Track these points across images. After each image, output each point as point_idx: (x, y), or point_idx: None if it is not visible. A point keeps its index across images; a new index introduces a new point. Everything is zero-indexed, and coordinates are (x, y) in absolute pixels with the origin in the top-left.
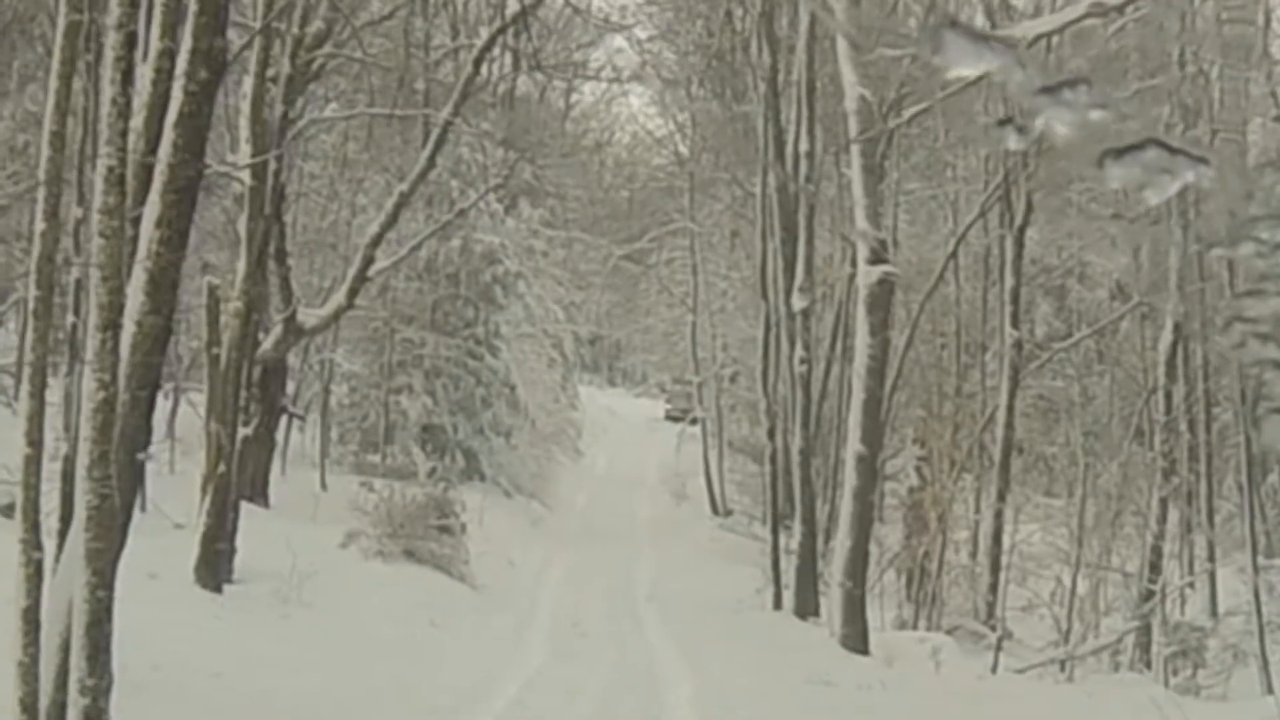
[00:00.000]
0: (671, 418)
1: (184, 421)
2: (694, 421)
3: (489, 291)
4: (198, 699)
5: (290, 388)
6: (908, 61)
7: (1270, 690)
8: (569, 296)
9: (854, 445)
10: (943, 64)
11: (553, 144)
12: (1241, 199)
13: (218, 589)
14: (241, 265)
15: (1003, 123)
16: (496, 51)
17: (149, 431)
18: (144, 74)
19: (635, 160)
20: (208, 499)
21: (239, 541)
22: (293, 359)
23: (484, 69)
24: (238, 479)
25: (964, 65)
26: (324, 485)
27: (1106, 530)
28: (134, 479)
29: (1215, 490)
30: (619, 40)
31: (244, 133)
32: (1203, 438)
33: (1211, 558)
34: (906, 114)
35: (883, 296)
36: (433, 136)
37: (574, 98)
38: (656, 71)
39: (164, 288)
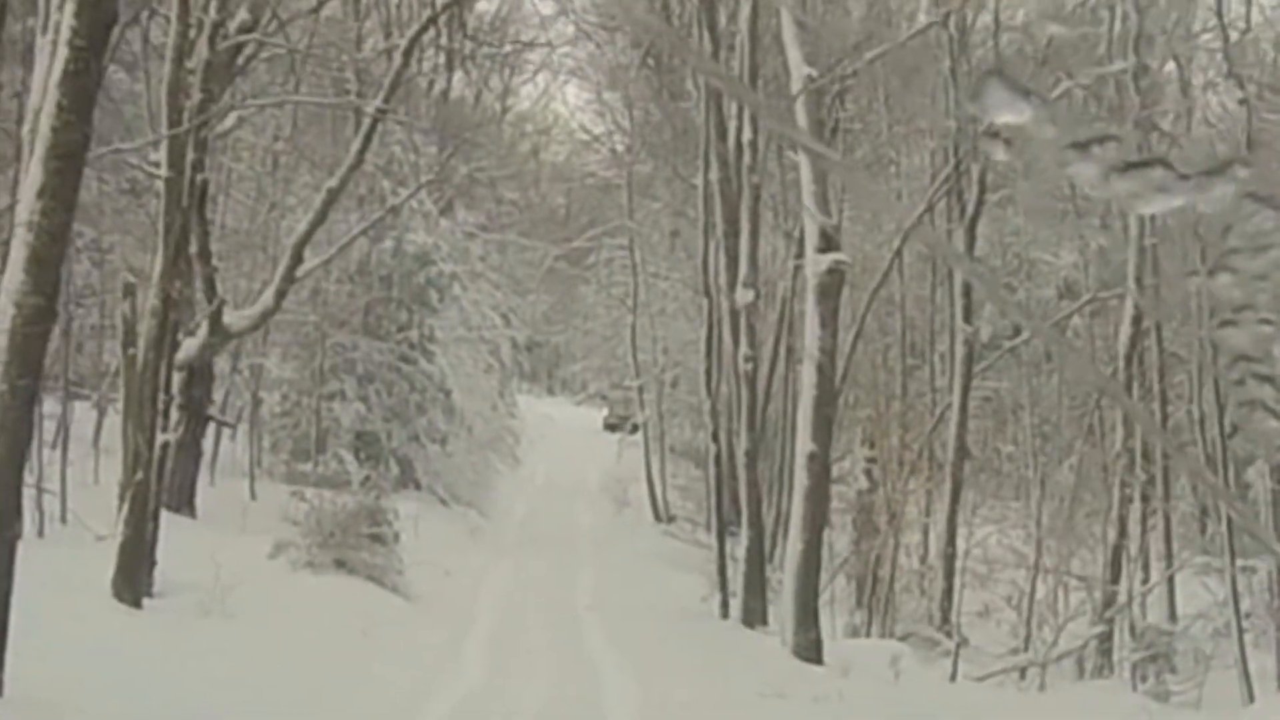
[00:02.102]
0: (610, 426)
1: (112, 432)
2: (634, 429)
3: (423, 294)
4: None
5: (220, 395)
6: (853, 44)
7: (1252, 698)
8: (506, 302)
9: (804, 443)
10: (982, 112)
11: (488, 145)
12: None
13: (136, 603)
14: (158, 260)
15: (991, 135)
16: (431, 51)
17: (30, 425)
18: (44, 47)
19: (572, 166)
20: (125, 508)
21: (161, 553)
22: (223, 365)
23: (416, 63)
24: (162, 487)
25: (1002, 114)
26: (254, 495)
27: (1063, 533)
28: (14, 477)
29: (1171, 489)
30: (556, 30)
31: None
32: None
33: (1170, 559)
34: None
35: (833, 286)
36: (363, 128)
37: (510, 100)
38: (597, 48)
39: (47, 265)
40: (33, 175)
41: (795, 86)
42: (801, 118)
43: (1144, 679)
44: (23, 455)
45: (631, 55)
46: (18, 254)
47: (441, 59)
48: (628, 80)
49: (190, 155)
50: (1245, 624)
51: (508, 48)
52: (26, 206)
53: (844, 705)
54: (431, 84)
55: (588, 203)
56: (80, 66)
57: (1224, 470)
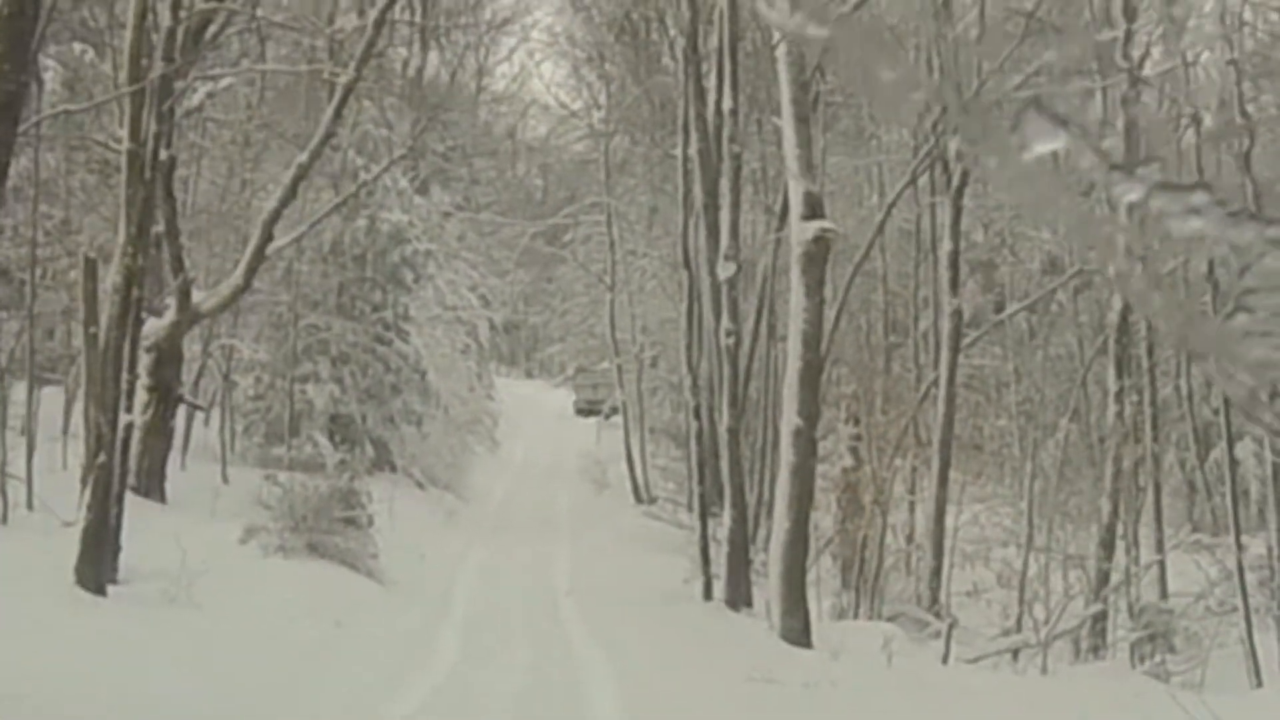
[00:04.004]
0: (581, 412)
1: (80, 417)
2: (611, 413)
3: (397, 273)
4: (61, 712)
5: (191, 378)
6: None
7: (1259, 679)
8: (483, 282)
9: (790, 419)
10: (1022, 141)
11: (463, 123)
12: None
13: (100, 590)
14: (120, 235)
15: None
16: (406, 30)
17: None
18: None
19: (550, 144)
20: (88, 493)
21: (127, 538)
22: (194, 348)
23: (389, 35)
24: (130, 471)
25: (1042, 143)
26: (226, 479)
27: (1053, 511)
28: None
29: (1160, 466)
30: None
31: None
32: (1148, 412)
33: (1160, 536)
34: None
35: (818, 255)
36: (334, 99)
37: (485, 80)
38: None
39: None
40: None
41: (779, 52)
42: (784, 80)
43: (1142, 659)
44: None
45: (608, 30)
46: None
47: (416, 36)
48: (603, 52)
49: (153, 127)
50: (1239, 603)
51: (482, 27)
52: None
53: (837, 690)
54: (406, 63)
55: (565, 180)
56: (15, 9)
57: (1227, 440)
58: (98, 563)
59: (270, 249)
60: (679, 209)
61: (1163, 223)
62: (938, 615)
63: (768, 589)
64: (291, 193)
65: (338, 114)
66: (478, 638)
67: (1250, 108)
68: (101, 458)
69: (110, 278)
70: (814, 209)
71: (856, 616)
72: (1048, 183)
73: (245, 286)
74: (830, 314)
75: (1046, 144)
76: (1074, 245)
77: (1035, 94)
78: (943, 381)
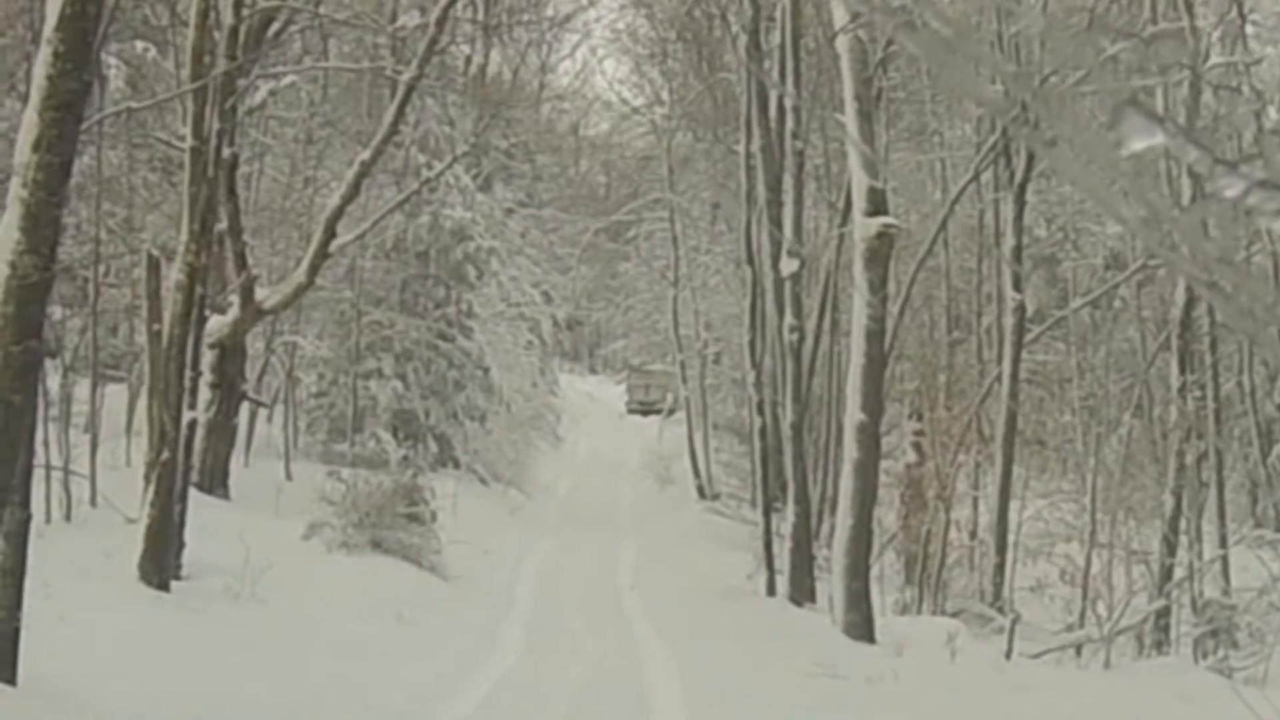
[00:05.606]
0: (634, 413)
1: (144, 414)
2: (670, 413)
3: (460, 270)
4: (123, 709)
5: (255, 375)
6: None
7: None
8: (546, 279)
9: (854, 414)
10: (1120, 139)
11: (526, 120)
12: None
13: (163, 586)
14: (183, 233)
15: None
16: (468, 26)
17: (31, 395)
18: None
19: (611, 145)
20: (151, 489)
21: (191, 535)
22: (258, 345)
23: (451, 33)
24: (195, 468)
25: (1139, 139)
26: (289, 475)
27: (1116, 506)
28: (11, 453)
29: (1223, 461)
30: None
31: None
32: (1211, 407)
33: (1224, 531)
34: None
35: (882, 251)
36: (397, 96)
37: (548, 76)
38: (633, 36)
39: (43, 223)
40: (28, 126)
41: (841, 46)
42: (847, 76)
43: (1204, 655)
44: (22, 429)
45: (670, 27)
46: (12, 210)
47: (478, 33)
48: (666, 49)
49: (216, 125)
50: None
51: (544, 24)
52: (22, 159)
53: (900, 685)
54: (469, 60)
55: (628, 176)
56: (78, 9)
57: None
58: (161, 559)
59: (333, 246)
60: (742, 205)
61: (1254, 218)
62: (1001, 611)
63: (831, 584)
64: (354, 190)
65: (400, 111)
66: (541, 632)
67: None
68: (165, 454)
69: (173, 275)
70: (877, 205)
71: (920, 612)
72: (1126, 172)
73: (309, 284)
74: (894, 309)
75: (1144, 140)
76: (1142, 235)
77: (1132, 93)
78: (1006, 377)
